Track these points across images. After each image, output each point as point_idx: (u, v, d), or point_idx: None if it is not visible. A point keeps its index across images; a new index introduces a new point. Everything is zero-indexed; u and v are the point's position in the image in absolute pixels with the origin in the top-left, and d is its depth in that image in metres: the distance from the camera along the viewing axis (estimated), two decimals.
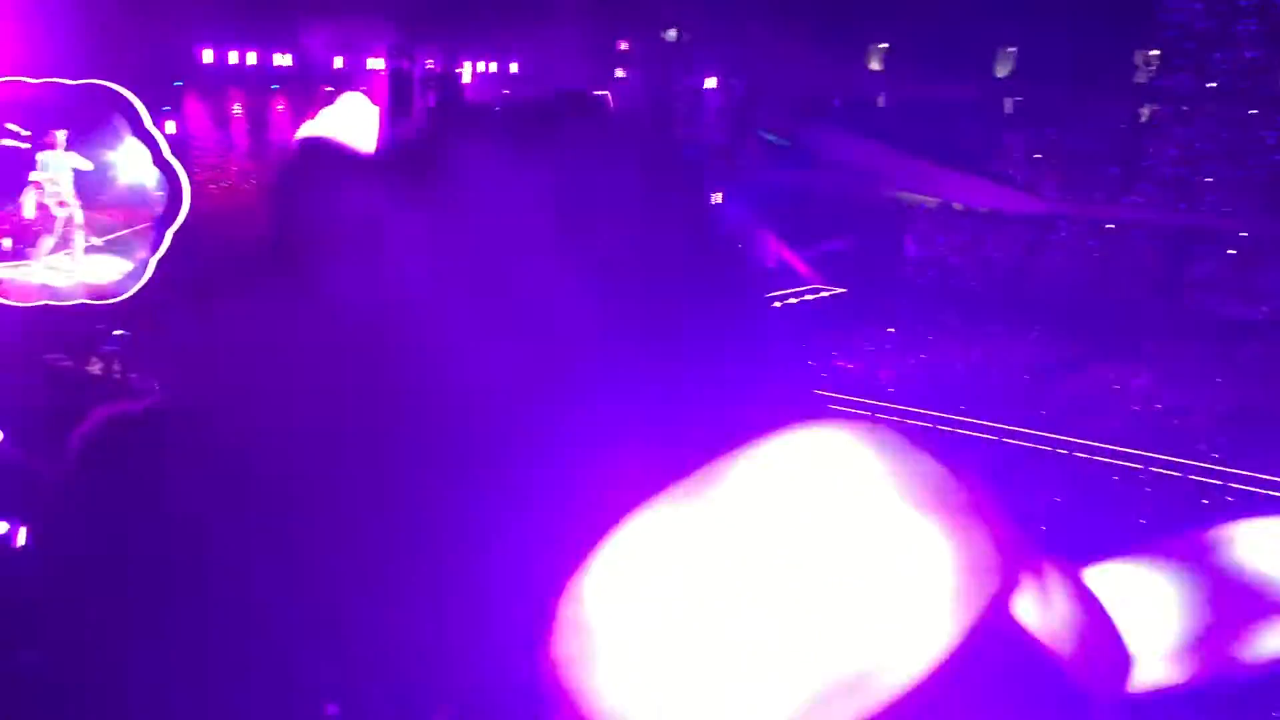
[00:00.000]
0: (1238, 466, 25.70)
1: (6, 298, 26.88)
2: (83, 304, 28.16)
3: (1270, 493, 24.19)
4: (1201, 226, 42.46)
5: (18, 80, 26.32)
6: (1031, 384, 32.55)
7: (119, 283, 28.70)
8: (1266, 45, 44.79)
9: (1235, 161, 43.35)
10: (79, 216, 28.04)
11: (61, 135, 27.52)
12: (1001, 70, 50.68)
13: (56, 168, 27.52)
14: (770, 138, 46.07)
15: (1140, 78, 48.20)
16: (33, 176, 27.21)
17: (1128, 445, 27.37)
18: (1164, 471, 25.58)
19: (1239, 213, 42.14)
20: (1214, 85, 45.18)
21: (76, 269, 28.10)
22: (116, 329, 27.95)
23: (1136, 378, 33.38)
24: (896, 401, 30.19)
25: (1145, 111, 48.20)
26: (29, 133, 27.06)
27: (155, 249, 28.94)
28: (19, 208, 27.15)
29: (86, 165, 28.01)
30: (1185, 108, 46.20)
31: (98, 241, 28.36)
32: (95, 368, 27.07)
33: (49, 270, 27.74)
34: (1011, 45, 50.15)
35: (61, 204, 27.77)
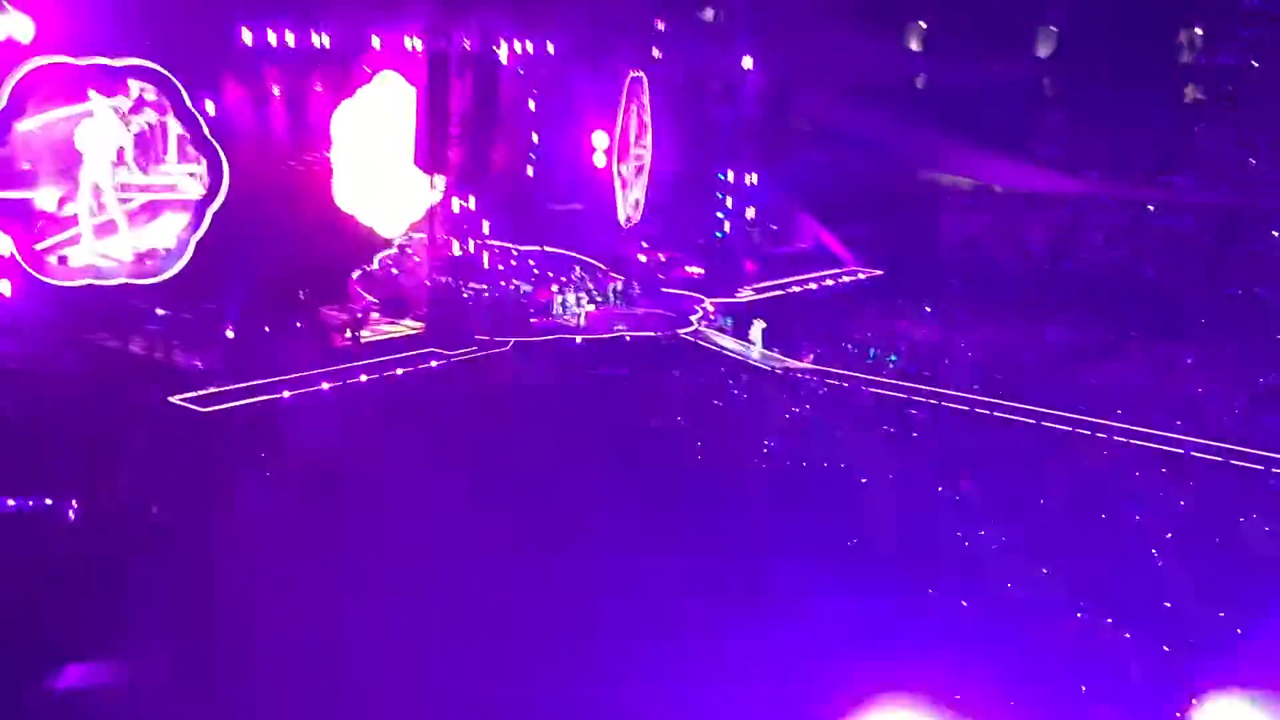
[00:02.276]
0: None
1: (52, 277, 27.15)
2: (126, 283, 28.43)
3: None
4: (1246, 206, 41.87)
5: (61, 60, 26.51)
6: (1071, 367, 32.25)
7: (161, 262, 28.94)
8: None
9: (1277, 143, 42.70)
10: (114, 200, 28.28)
11: (105, 114, 27.71)
12: (1043, 50, 50.11)
13: (99, 146, 27.72)
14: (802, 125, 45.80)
15: (1185, 57, 47.53)
16: (82, 150, 27.44)
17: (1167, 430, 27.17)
18: (1204, 456, 25.34)
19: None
20: (1258, 65, 44.48)
21: (119, 247, 28.34)
22: (159, 309, 28.26)
23: (1179, 360, 33.03)
24: (936, 385, 30.03)
25: (1189, 91, 47.55)
26: (73, 111, 27.27)
27: (196, 229, 29.16)
28: (63, 185, 27.38)
29: (129, 144, 28.21)
30: (1230, 87, 45.55)
31: (141, 221, 28.60)
32: (138, 347, 27.41)
33: (92, 250, 28.00)
34: (1053, 24, 49.57)
35: (104, 183, 28.00)
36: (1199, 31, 46.69)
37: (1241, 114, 44.22)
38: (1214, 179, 42.80)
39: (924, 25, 52.18)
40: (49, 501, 18.88)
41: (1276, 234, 40.91)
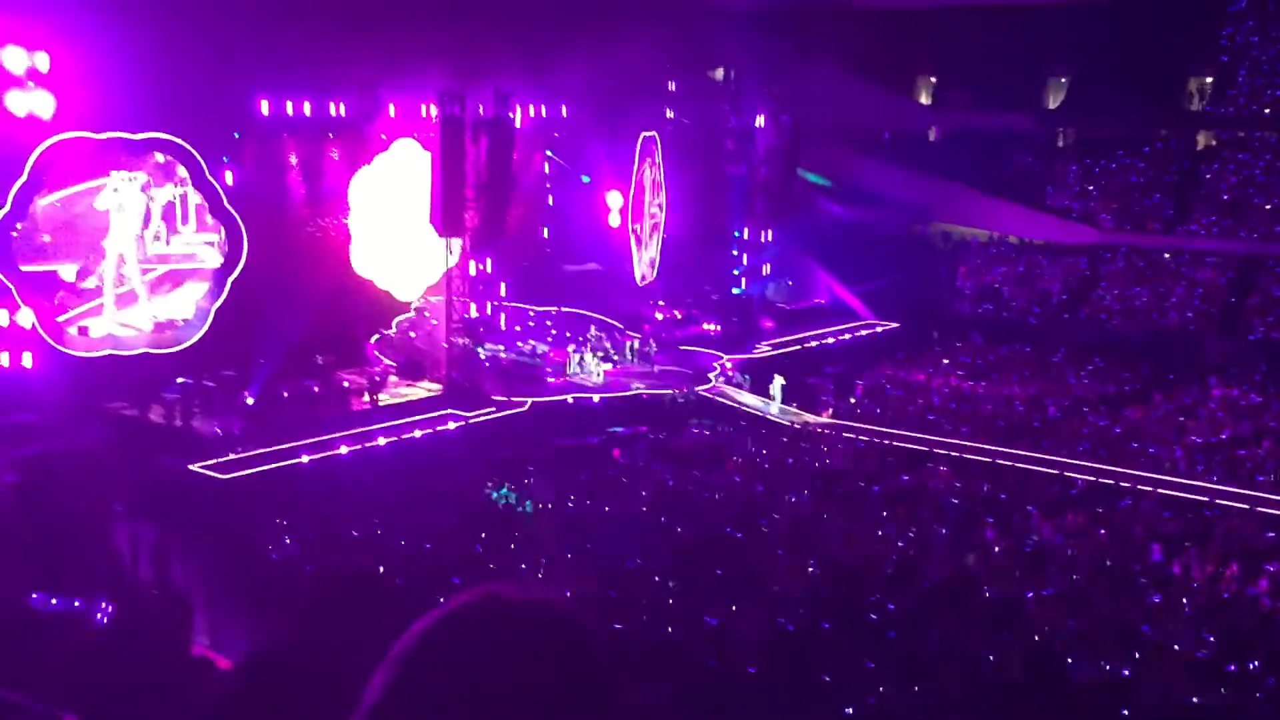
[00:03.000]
0: None
1: (72, 348, 27.41)
2: (146, 353, 28.66)
3: None
4: (1261, 254, 41.81)
5: (82, 135, 26.96)
6: (1092, 416, 32.06)
7: (181, 331, 29.20)
8: None
9: None
10: (136, 271, 28.59)
11: (125, 187, 28.12)
12: (1053, 101, 50.44)
13: (121, 219, 28.10)
14: (812, 177, 46.04)
15: (1194, 105, 47.78)
16: (104, 222, 27.79)
17: (1188, 478, 26.94)
18: (1229, 504, 25.07)
19: None
20: (1269, 112, 44.65)
21: (139, 317, 28.62)
22: (179, 377, 28.42)
23: (1199, 408, 32.79)
24: (950, 436, 29.90)
25: (1201, 139, 47.72)
26: (94, 185, 27.69)
27: (216, 298, 29.45)
28: (84, 258, 27.72)
29: (150, 216, 28.59)
30: (1240, 134, 45.68)
31: (162, 291, 28.91)
32: (158, 415, 27.53)
33: (113, 320, 28.28)
34: (1063, 75, 49.92)
35: (127, 254, 28.34)
36: (1209, 80, 46.98)
37: (1251, 159, 44.32)
38: (1230, 226, 42.74)
39: (934, 80, 52.67)
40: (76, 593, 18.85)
41: None
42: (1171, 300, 41.60)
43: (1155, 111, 46.69)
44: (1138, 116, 46.25)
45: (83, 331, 27.83)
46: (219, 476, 24.69)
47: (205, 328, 29.37)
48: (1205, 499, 25.41)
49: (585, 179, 40.46)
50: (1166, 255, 43.35)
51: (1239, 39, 45.58)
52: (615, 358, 35.13)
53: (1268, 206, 42.65)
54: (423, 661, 2.07)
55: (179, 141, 28.57)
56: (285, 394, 28.86)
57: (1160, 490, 25.80)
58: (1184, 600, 19.77)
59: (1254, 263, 41.89)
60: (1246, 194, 43.39)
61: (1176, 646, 18.02)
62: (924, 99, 53.21)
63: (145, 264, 28.77)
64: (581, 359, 34.47)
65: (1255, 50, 45.29)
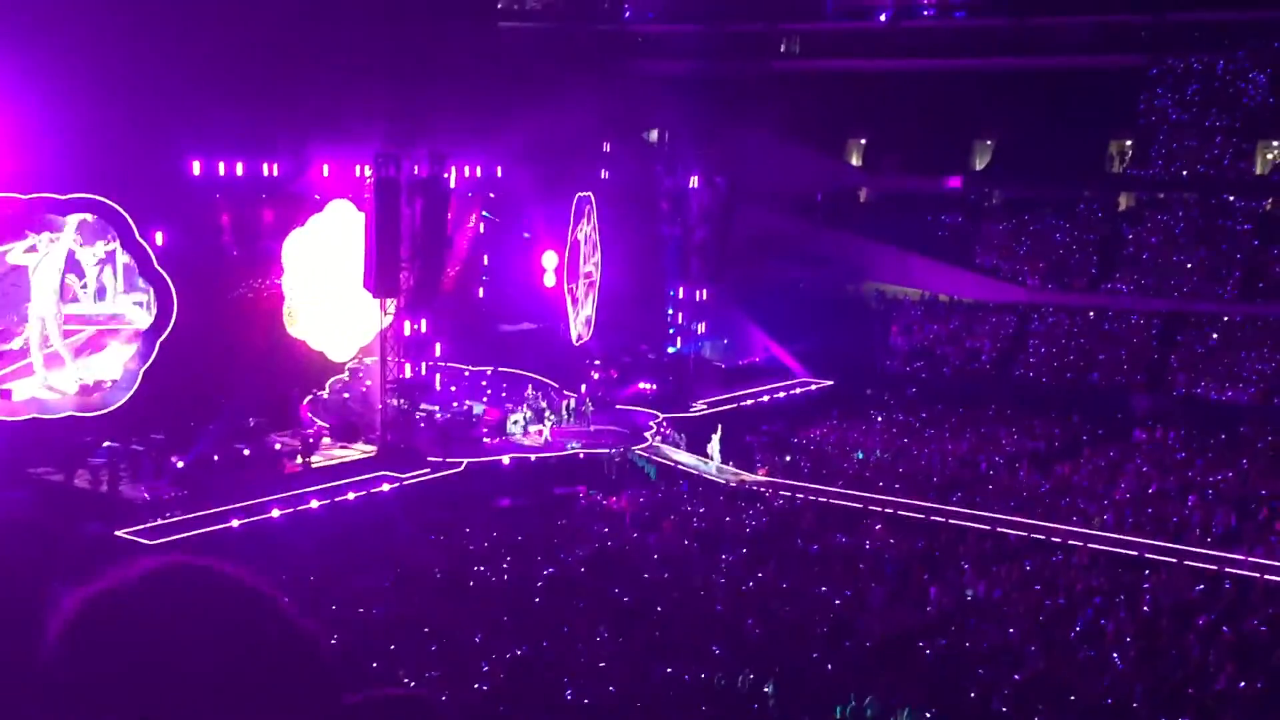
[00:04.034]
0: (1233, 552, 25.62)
1: None
2: (72, 416, 28.07)
3: (1269, 578, 24.09)
4: (1183, 311, 42.91)
5: (8, 196, 26.55)
6: (1023, 472, 32.47)
7: (108, 393, 28.66)
8: (1236, 135, 45.79)
9: (1211, 247, 43.98)
10: (58, 332, 28.09)
11: (53, 248, 27.67)
12: (980, 163, 51.61)
13: (45, 280, 27.63)
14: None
15: (1116, 167, 49.17)
16: (29, 283, 27.30)
17: (1117, 532, 27.30)
18: (1160, 558, 25.42)
19: (1218, 297, 42.66)
20: (1186, 173, 46.07)
21: (65, 380, 28.06)
22: (106, 441, 27.84)
23: (1126, 463, 33.35)
24: (885, 493, 30.10)
25: (1122, 200, 49.02)
26: (18, 245, 27.22)
27: (145, 360, 28.97)
28: (9, 318, 27.18)
29: (76, 278, 28.14)
30: (1161, 195, 47.00)
31: (87, 354, 28.38)
32: (83, 480, 26.90)
33: (38, 383, 27.70)
34: (989, 138, 51.16)
35: (49, 316, 27.83)
36: (1129, 144, 48.41)
37: (1171, 219, 45.60)
38: (1152, 285, 43.85)
39: (864, 142, 53.68)
40: None
41: (1215, 337, 41.79)
42: (1099, 357, 42.48)
43: (1078, 173, 47.99)
44: (1061, 178, 47.49)
45: (4, 395, 27.22)
46: (146, 543, 24.12)
47: (133, 390, 28.84)
48: (1134, 553, 25.75)
49: (526, 235, 40.55)
50: (1092, 314, 44.32)
51: (1157, 104, 47.10)
52: (551, 418, 35.01)
53: (1188, 265, 43.85)
54: (102, 619, 1.98)
55: (108, 202, 28.21)
56: (216, 457, 28.36)
57: (1090, 545, 26.12)
58: (1114, 655, 19.97)
59: (1177, 320, 42.96)
60: (1167, 253, 44.60)
61: (1110, 700, 18.21)
62: (855, 160, 54.20)
63: (70, 325, 28.25)
64: (526, 419, 34.39)
65: (1173, 114, 46.78)
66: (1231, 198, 45.41)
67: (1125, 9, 48.12)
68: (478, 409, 35.21)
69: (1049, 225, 47.59)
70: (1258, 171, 46.32)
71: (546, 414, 34.99)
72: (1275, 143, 46.14)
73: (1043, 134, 45.87)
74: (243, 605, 2.05)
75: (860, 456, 34.19)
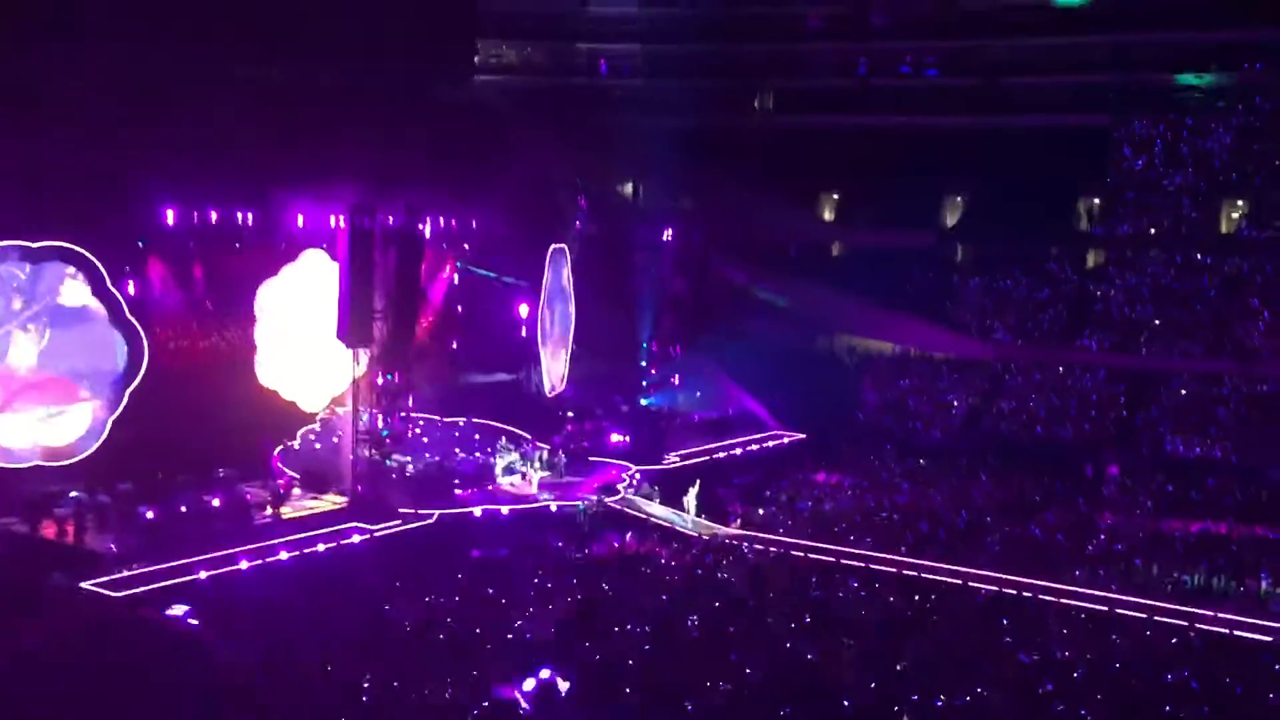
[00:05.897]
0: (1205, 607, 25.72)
1: None
2: (38, 466, 27.75)
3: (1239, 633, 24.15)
4: (1150, 368, 43.36)
5: None
6: (991, 525, 32.52)
7: (77, 443, 28.36)
8: (1204, 194, 46.60)
9: (1180, 304, 44.55)
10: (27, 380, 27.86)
11: (19, 297, 27.49)
12: (951, 219, 52.17)
13: (15, 327, 27.42)
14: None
15: (1084, 225, 49.84)
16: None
17: (1088, 587, 27.35)
18: (1133, 614, 25.49)
19: (1186, 354, 43.13)
20: (1154, 231, 46.78)
21: (33, 429, 27.76)
22: (72, 490, 27.54)
23: (1097, 517, 33.48)
24: (858, 547, 30.06)
25: (1091, 257, 49.62)
26: None
27: (113, 409, 28.72)
28: None
29: (45, 328, 27.94)
30: (1129, 253, 47.61)
31: (55, 405, 28.11)
32: (50, 531, 26.57)
33: (3, 430, 27.40)
34: (960, 195, 51.76)
35: (18, 364, 27.60)
36: (1097, 202, 49.15)
37: (1139, 277, 46.20)
38: (1121, 342, 44.35)
39: (837, 197, 54.21)
40: None
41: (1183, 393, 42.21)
42: (1071, 413, 42.79)
43: (1047, 231, 48.64)
44: (1031, 235, 48.10)
45: None
46: (111, 595, 23.79)
47: (101, 440, 28.56)
48: (1105, 608, 25.80)
49: (506, 280, 40.51)
50: (1060, 369, 44.71)
51: (1124, 164, 47.91)
52: (524, 469, 34.90)
53: (1156, 322, 44.36)
54: None
55: (79, 250, 28.09)
56: (184, 508, 28.09)
57: (1062, 600, 26.15)
58: (1083, 713, 19.92)
59: (1144, 376, 43.38)
60: (1135, 310, 45.14)
61: None
62: (828, 215, 54.68)
63: (37, 373, 28.00)
64: (509, 467, 34.36)
65: (1140, 174, 47.57)
66: (1199, 255, 46.06)
67: (1093, 69, 49.15)
68: (450, 461, 35.06)
69: (1018, 281, 48.13)
70: (1222, 230, 47.07)
71: (519, 465, 34.92)
72: (1240, 202, 46.88)
73: (1013, 191, 46.51)
74: (178, 654, 2.06)
75: (830, 509, 34.17)
